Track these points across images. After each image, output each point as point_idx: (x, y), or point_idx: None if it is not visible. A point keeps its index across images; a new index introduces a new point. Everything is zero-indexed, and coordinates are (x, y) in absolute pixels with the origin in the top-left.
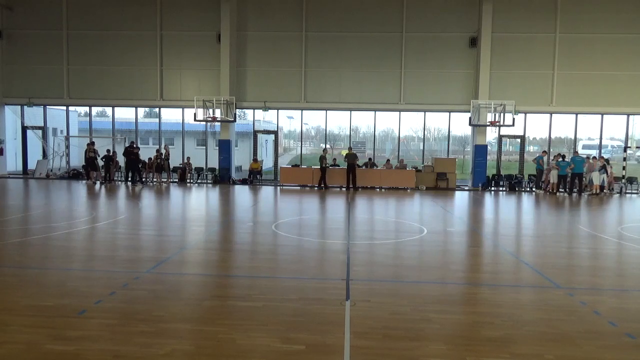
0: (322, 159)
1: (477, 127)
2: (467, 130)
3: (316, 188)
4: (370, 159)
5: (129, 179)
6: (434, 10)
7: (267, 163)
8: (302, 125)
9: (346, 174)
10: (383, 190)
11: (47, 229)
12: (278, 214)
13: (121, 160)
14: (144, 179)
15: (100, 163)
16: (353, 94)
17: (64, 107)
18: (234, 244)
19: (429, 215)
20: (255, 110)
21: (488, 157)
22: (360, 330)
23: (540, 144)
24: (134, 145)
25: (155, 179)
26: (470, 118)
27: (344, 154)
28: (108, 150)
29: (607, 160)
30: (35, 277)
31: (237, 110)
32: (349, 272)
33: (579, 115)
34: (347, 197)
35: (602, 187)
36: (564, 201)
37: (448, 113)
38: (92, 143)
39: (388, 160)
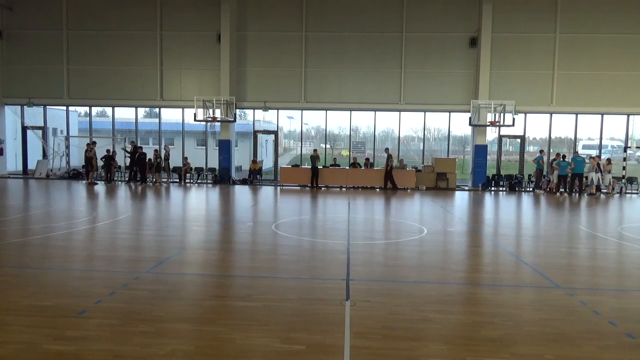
0: (315, 158)
1: (477, 127)
2: (467, 130)
3: (308, 187)
4: (368, 159)
5: (132, 178)
6: (434, 10)
7: (267, 163)
8: (302, 125)
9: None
10: (383, 190)
11: (47, 229)
12: (278, 214)
13: (120, 160)
14: (148, 180)
15: (100, 163)
16: (353, 94)
17: (64, 107)
18: (234, 244)
19: (429, 215)
20: (255, 110)
21: (488, 157)
22: (360, 330)
23: (540, 144)
24: (136, 146)
25: (155, 179)
26: (470, 118)
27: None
28: (108, 151)
29: (608, 160)
30: (35, 277)
31: (237, 110)
32: (349, 272)
33: (579, 115)
34: (348, 197)
35: (597, 187)
36: (564, 201)
37: (448, 113)
38: (91, 143)
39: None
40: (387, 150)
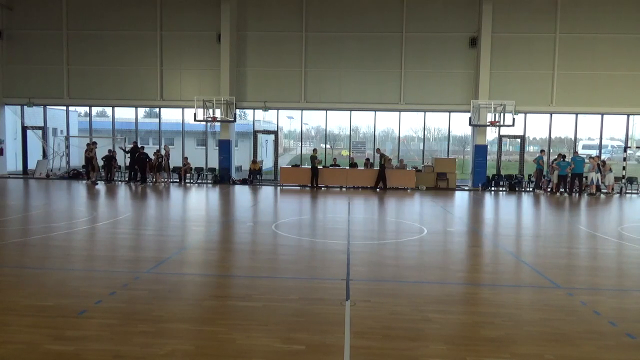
0: (314, 158)
1: (477, 127)
2: (467, 130)
3: (307, 187)
4: (368, 159)
5: (132, 178)
6: (434, 11)
7: (267, 163)
8: (302, 125)
9: None
10: (383, 189)
11: (47, 229)
12: (278, 214)
13: (121, 160)
14: (148, 180)
15: (100, 163)
16: (353, 94)
17: (64, 107)
18: (234, 244)
19: (429, 215)
20: (255, 110)
21: (488, 157)
22: (360, 330)
23: (540, 144)
24: (137, 145)
25: (155, 179)
26: (470, 118)
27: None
28: (110, 150)
29: (603, 162)
30: (35, 277)
31: (237, 110)
32: (349, 272)
33: (579, 115)
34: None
35: (597, 187)
36: (564, 201)
37: (448, 113)
38: (92, 143)
39: (389, 160)
40: (378, 150)
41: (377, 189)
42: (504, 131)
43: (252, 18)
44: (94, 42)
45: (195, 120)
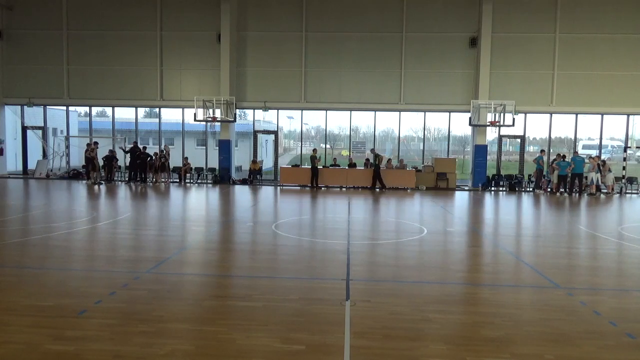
0: (314, 158)
1: (477, 127)
2: (467, 130)
3: (307, 187)
4: (368, 159)
5: (132, 178)
6: (434, 11)
7: (267, 163)
8: (302, 125)
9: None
10: (383, 190)
11: (47, 229)
12: (278, 214)
13: (121, 159)
14: (148, 180)
15: (101, 163)
16: (353, 94)
17: (64, 107)
18: (234, 244)
19: (429, 215)
20: (255, 110)
21: (488, 157)
22: (360, 330)
23: (540, 144)
24: (136, 145)
25: (155, 179)
26: (470, 118)
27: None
28: (111, 151)
29: (604, 161)
30: (35, 277)
31: (237, 110)
32: (349, 272)
33: (579, 115)
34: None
35: (597, 187)
36: (564, 201)
37: (448, 113)
38: (92, 143)
39: (389, 160)
40: (373, 150)
41: (377, 189)
42: (504, 131)
43: (252, 18)
44: (94, 42)
45: (195, 120)
